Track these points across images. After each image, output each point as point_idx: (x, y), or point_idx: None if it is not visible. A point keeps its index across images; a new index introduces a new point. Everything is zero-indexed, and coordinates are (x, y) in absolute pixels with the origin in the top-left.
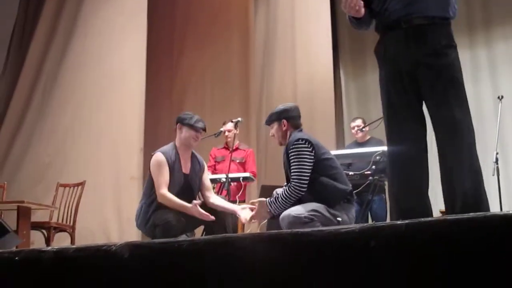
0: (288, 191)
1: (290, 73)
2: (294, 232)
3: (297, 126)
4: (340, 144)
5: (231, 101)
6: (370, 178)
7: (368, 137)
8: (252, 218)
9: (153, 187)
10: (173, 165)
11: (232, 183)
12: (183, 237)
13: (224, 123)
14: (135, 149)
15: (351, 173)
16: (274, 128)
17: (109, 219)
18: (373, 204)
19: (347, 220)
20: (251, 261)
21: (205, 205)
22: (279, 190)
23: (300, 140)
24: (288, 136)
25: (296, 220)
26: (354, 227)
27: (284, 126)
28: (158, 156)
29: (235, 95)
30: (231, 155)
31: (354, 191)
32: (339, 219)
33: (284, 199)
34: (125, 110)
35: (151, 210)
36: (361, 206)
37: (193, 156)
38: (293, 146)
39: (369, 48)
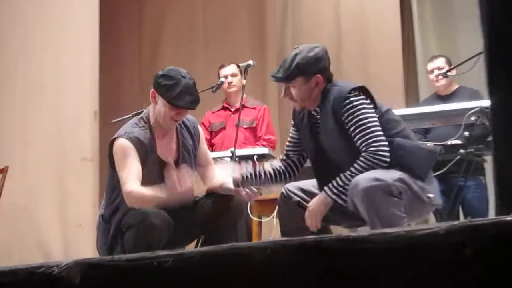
0: (367, 162)
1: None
2: (342, 237)
3: (330, 79)
4: (411, 98)
5: (237, 47)
6: (462, 151)
7: (456, 86)
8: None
9: (115, 189)
10: (146, 155)
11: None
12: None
13: (221, 67)
14: (87, 115)
15: (429, 143)
16: (296, 87)
17: (48, 223)
18: (467, 191)
19: (438, 201)
20: (273, 285)
21: (207, 197)
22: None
23: (353, 92)
24: (319, 96)
25: (381, 187)
26: (437, 228)
27: (317, 83)
28: (120, 142)
29: (243, 38)
30: (239, 116)
31: (437, 172)
32: (430, 195)
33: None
34: (74, 63)
35: (115, 222)
36: (448, 195)
37: (178, 129)
38: (349, 102)
39: None
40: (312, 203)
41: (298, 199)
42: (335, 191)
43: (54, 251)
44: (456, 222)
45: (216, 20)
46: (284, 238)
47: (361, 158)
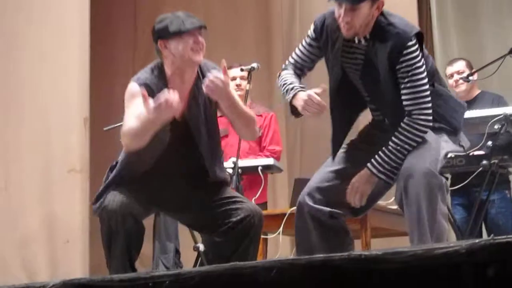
0: (412, 130)
1: None
2: (354, 256)
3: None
4: None
5: (242, 49)
6: (485, 162)
7: (478, 91)
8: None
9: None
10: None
11: (244, 176)
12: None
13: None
14: (76, 122)
15: (450, 154)
16: (360, 11)
17: (33, 240)
18: (491, 206)
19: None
20: None
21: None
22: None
23: (413, 39)
24: (369, 26)
25: (438, 184)
26: (458, 246)
27: (378, 8)
28: (130, 87)
29: (248, 39)
30: None
31: (457, 186)
32: (463, 144)
33: (407, 146)
34: (61, 65)
35: (111, 175)
36: (470, 210)
37: (195, 80)
38: (408, 53)
39: None
40: (357, 180)
41: (329, 209)
42: (382, 169)
43: (40, 270)
44: (478, 240)
45: (219, 20)
46: (291, 257)
47: (405, 126)
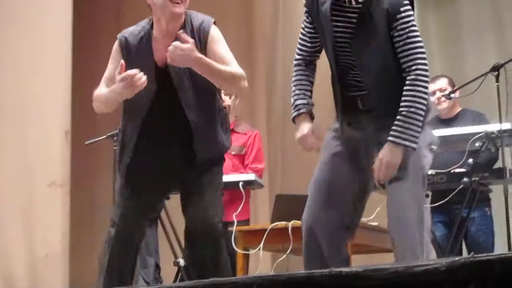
0: (419, 88)
1: None
2: (335, 273)
3: None
4: None
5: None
6: (465, 180)
7: (460, 109)
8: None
9: None
10: (136, 51)
11: (225, 191)
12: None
13: None
14: (57, 135)
15: (431, 171)
16: None
17: (13, 255)
18: (471, 224)
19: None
20: None
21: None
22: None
23: (405, 1)
24: None
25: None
26: (438, 264)
27: None
28: (115, 44)
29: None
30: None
31: (438, 203)
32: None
33: (419, 104)
34: (42, 77)
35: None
36: (450, 228)
37: (185, 25)
38: (405, 10)
39: None
40: (385, 155)
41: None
42: (406, 136)
43: (19, 283)
44: (458, 258)
45: None
46: (271, 274)
47: (411, 84)
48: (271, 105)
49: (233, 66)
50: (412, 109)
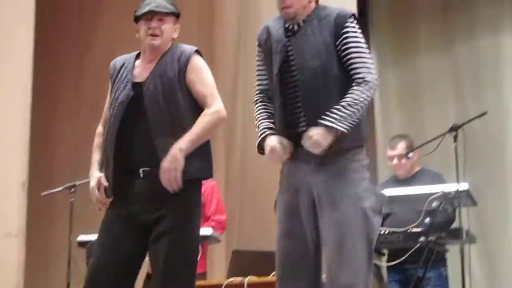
0: (369, 91)
1: None
2: None
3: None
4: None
5: None
6: (422, 239)
7: (417, 168)
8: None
9: None
10: (118, 73)
11: None
12: None
13: None
14: (13, 186)
15: (387, 230)
16: None
17: None
18: (427, 284)
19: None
20: None
21: None
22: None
23: (352, 16)
24: (310, 9)
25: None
26: None
27: None
28: None
29: None
30: None
31: (395, 261)
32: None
33: (364, 105)
34: (0, 128)
35: None
36: (406, 286)
37: (165, 54)
38: (352, 22)
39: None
40: (315, 133)
41: None
42: (341, 124)
43: None
44: None
45: None
46: None
47: (358, 85)
48: (230, 158)
49: (209, 101)
50: (353, 104)
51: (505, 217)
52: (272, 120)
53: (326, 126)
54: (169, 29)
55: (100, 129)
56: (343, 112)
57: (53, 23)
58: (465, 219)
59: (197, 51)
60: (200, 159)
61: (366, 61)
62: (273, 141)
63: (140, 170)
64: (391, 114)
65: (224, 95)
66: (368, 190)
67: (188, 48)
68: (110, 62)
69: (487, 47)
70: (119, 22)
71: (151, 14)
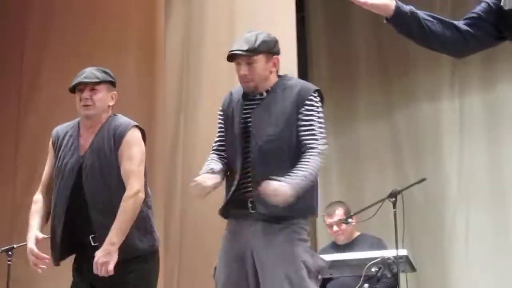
0: (319, 160)
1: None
2: None
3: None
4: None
5: None
6: None
7: (357, 233)
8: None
9: None
10: (61, 143)
11: None
12: None
13: None
14: None
15: None
16: (257, 63)
17: None
18: None
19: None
20: None
21: None
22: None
23: (315, 92)
24: (271, 81)
25: None
26: None
27: (274, 64)
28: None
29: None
30: None
31: None
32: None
33: (315, 172)
34: None
35: None
36: None
37: (103, 127)
38: (315, 97)
39: (362, 80)
40: (281, 184)
41: None
42: (299, 185)
43: None
44: None
45: None
46: None
47: (311, 154)
48: (169, 217)
49: (129, 181)
50: (310, 175)
51: (444, 283)
52: (218, 164)
53: (289, 183)
54: (103, 97)
55: (38, 196)
56: (299, 175)
57: None
58: (403, 285)
59: (134, 126)
60: (144, 234)
61: (315, 132)
62: (200, 177)
63: (90, 237)
64: (331, 181)
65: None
66: (307, 253)
67: (124, 123)
68: (49, 127)
69: (426, 113)
70: (59, 86)
71: (83, 85)
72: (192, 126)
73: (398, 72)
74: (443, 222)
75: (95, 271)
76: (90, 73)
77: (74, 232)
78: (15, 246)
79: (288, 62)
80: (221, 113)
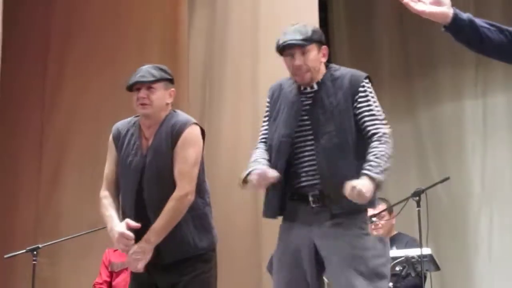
0: (389, 146)
1: (248, 96)
2: None
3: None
4: None
5: None
6: None
7: (395, 232)
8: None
9: None
10: (124, 141)
11: None
12: None
13: None
14: None
15: None
16: (311, 53)
17: None
18: None
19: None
20: None
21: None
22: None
23: (368, 79)
24: (321, 71)
25: None
26: None
27: (324, 55)
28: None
29: None
30: None
31: None
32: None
33: (388, 156)
34: None
35: None
36: None
37: (162, 125)
38: (367, 83)
39: (386, 80)
40: (362, 184)
41: None
42: (379, 172)
43: None
44: None
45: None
46: None
47: (379, 140)
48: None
49: (180, 183)
50: (380, 156)
51: (468, 282)
52: (264, 159)
53: (369, 176)
54: (160, 96)
55: (105, 192)
56: (376, 164)
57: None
58: (428, 283)
59: (194, 123)
60: (203, 232)
61: (376, 117)
62: (259, 167)
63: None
64: None
65: None
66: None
67: (183, 120)
68: (72, 128)
69: (449, 113)
70: (82, 88)
71: (139, 84)
72: (215, 128)
73: (421, 72)
74: (467, 222)
75: (127, 265)
76: (146, 71)
77: (141, 232)
78: (40, 246)
79: None
80: (268, 103)
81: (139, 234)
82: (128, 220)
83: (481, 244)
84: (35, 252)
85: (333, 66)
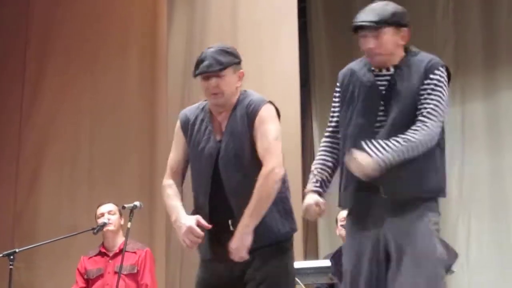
0: (418, 135)
1: None
2: None
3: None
4: (311, 251)
5: (124, 186)
6: None
7: None
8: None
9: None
10: (193, 128)
11: None
12: None
13: (98, 206)
14: None
15: None
16: (385, 35)
17: None
18: None
19: None
20: None
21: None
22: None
23: (444, 68)
24: (400, 55)
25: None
26: None
27: (403, 39)
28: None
29: (131, 177)
30: (121, 262)
31: None
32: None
33: (414, 146)
34: None
35: None
36: None
37: (236, 108)
38: (440, 71)
39: None
40: (363, 158)
41: None
42: (384, 155)
43: None
44: None
45: (103, 155)
46: None
47: (418, 128)
48: (171, 227)
49: (265, 158)
50: (403, 142)
51: None
52: (326, 168)
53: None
54: (230, 82)
55: (169, 181)
56: (390, 147)
57: None
58: None
59: (268, 102)
60: (285, 217)
61: (432, 107)
62: (310, 199)
63: (229, 222)
64: None
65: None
66: (442, 245)
67: (258, 99)
68: (51, 132)
69: None
70: (61, 91)
71: (208, 73)
72: None
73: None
74: (445, 229)
75: (231, 257)
76: (212, 58)
77: (218, 219)
78: (17, 250)
79: (290, 66)
80: (339, 89)
81: (221, 218)
82: (199, 218)
83: (458, 251)
84: (11, 257)
85: (413, 50)
